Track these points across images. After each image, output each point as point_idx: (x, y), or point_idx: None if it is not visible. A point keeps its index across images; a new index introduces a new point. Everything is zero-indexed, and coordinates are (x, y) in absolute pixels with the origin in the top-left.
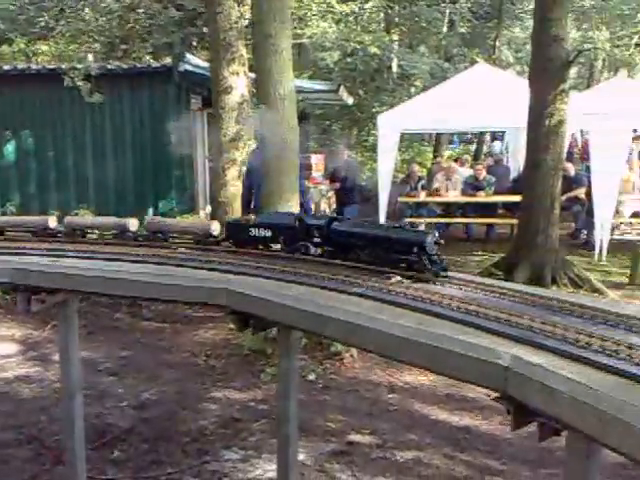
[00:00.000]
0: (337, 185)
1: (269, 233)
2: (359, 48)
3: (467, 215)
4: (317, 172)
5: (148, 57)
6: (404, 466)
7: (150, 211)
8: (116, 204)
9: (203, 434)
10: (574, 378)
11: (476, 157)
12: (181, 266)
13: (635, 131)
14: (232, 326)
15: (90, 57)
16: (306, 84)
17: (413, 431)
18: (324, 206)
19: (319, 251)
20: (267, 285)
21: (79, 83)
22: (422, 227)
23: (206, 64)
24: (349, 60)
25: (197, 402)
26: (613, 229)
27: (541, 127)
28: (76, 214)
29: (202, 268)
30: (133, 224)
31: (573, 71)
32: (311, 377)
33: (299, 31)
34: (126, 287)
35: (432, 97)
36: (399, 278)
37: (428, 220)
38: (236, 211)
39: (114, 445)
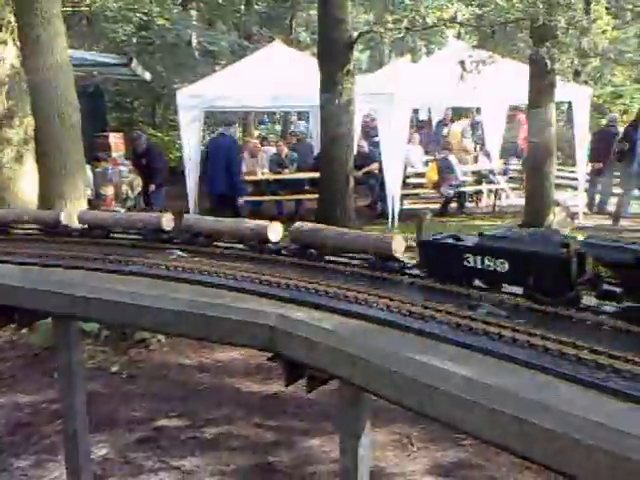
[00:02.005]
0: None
1: (506, 266)
2: (146, 20)
3: (276, 192)
4: (117, 152)
5: None
6: (214, 442)
7: None
8: None
9: None
10: (329, 328)
11: (283, 136)
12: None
13: (416, 112)
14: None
15: None
16: (89, 56)
17: (223, 406)
18: (126, 189)
19: (608, 307)
20: (30, 272)
21: None
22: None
23: None
24: (144, 33)
25: None
26: (402, 200)
27: (332, 106)
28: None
29: None
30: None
31: (366, 55)
32: (114, 368)
33: None
34: None
35: (233, 75)
36: (180, 253)
37: (240, 199)
38: (17, 197)
39: None
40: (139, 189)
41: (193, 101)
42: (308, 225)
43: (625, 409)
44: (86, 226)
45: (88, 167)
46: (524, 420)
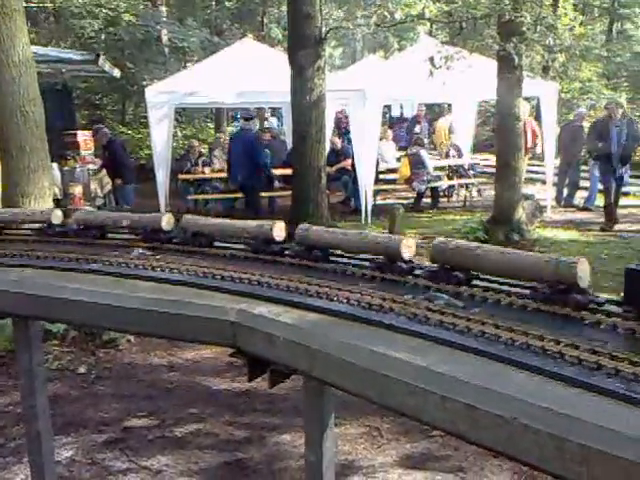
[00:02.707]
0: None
1: None
2: (113, 15)
3: None
4: (86, 151)
5: None
6: (183, 441)
7: None
8: None
9: None
10: (289, 322)
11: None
12: None
13: (389, 108)
14: None
15: None
16: (56, 53)
17: (193, 405)
18: (95, 188)
19: None
20: None
21: None
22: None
23: None
24: (113, 30)
25: None
26: (375, 195)
27: (303, 102)
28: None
29: None
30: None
31: (339, 51)
32: (82, 370)
33: None
34: None
35: (203, 71)
36: (141, 250)
37: (213, 197)
38: None
39: None
40: (109, 187)
41: (162, 97)
42: (456, 242)
43: (573, 394)
44: (188, 233)
45: (56, 165)
46: (474, 407)
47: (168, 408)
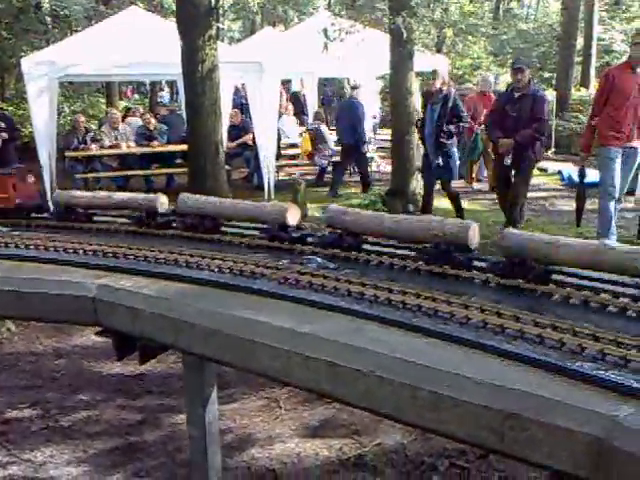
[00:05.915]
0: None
1: None
2: None
3: (145, 167)
4: None
5: None
6: (71, 429)
7: None
8: None
9: None
10: (153, 294)
11: (151, 107)
12: None
13: (288, 82)
14: None
15: None
16: None
17: (83, 392)
18: None
19: None
20: None
21: None
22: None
23: None
24: None
25: None
26: (278, 171)
27: (195, 73)
28: None
29: None
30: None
31: (238, 24)
32: None
33: None
34: None
35: (88, 41)
36: (6, 229)
37: (104, 175)
38: None
39: None
40: None
41: (42, 69)
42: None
43: (427, 344)
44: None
45: None
46: (335, 364)
47: (54, 397)
